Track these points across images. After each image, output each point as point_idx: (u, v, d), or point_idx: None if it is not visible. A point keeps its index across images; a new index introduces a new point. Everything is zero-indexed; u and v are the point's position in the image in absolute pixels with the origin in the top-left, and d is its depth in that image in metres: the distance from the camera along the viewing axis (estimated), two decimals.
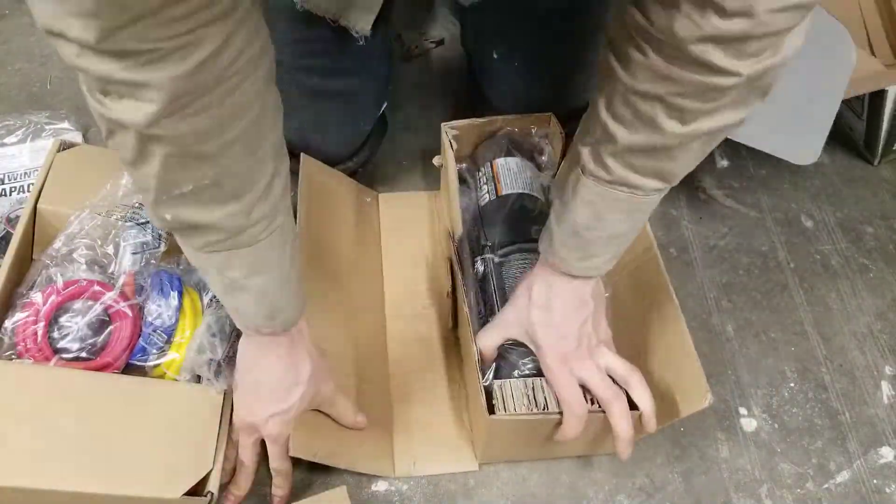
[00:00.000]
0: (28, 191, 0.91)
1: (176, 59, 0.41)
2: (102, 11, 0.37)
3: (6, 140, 1.00)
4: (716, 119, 0.51)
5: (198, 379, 0.71)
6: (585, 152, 0.60)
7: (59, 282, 0.70)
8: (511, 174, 0.85)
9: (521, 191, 0.84)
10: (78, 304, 0.70)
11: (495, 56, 0.94)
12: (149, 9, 0.38)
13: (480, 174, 0.88)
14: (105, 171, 0.81)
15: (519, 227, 0.81)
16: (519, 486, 0.76)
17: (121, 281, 0.72)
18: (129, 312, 0.70)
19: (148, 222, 0.77)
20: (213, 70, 0.43)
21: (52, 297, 0.69)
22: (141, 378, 0.71)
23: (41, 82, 1.14)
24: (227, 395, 0.72)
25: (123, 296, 0.71)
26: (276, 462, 0.70)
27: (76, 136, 1.03)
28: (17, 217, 0.81)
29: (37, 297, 0.69)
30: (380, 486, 0.75)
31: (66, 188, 0.79)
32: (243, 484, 0.71)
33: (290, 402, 0.68)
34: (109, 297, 0.70)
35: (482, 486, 0.76)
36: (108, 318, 0.70)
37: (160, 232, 0.77)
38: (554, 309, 0.68)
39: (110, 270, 0.74)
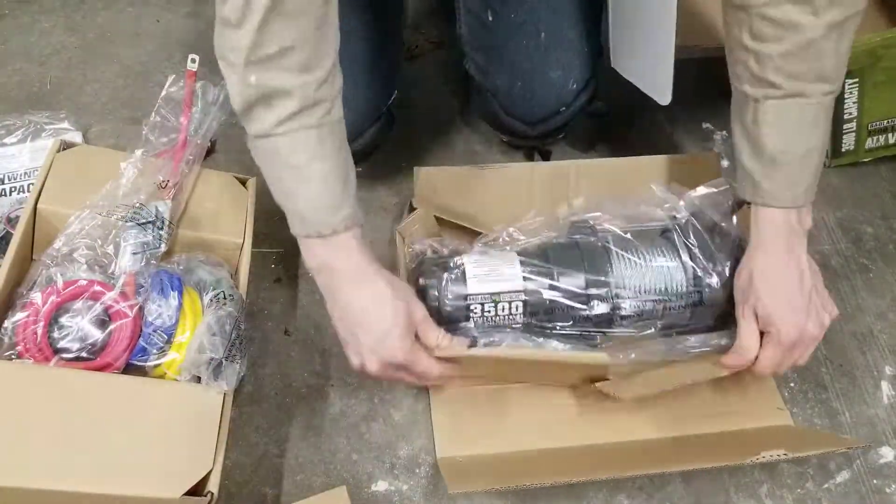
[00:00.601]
0: (28, 191, 0.92)
1: None
2: None
3: (6, 140, 1.00)
4: (839, 7, 0.63)
5: (198, 379, 0.71)
6: (749, 87, 0.69)
7: (60, 282, 0.70)
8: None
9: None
10: (78, 304, 0.70)
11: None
12: None
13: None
14: (105, 171, 0.81)
15: None
16: None
17: (121, 281, 0.72)
18: (130, 312, 0.70)
19: (148, 222, 0.77)
20: None
21: (52, 298, 0.69)
22: (141, 378, 0.71)
23: (41, 82, 1.14)
24: (227, 395, 0.72)
25: (124, 296, 0.71)
26: (430, 379, 0.72)
27: (76, 136, 1.03)
28: (17, 217, 0.81)
29: (37, 297, 0.69)
30: (380, 486, 0.76)
31: (66, 188, 0.79)
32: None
33: (387, 319, 0.67)
34: (110, 297, 0.70)
35: None
36: (108, 318, 0.70)
37: (160, 233, 0.77)
38: (777, 280, 0.70)
39: (110, 270, 0.74)
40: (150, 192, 0.80)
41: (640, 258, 0.77)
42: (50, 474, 0.60)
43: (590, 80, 0.99)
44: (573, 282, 0.75)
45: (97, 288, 0.70)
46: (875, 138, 1.07)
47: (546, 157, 1.05)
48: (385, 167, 1.04)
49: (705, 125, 1.16)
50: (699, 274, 0.76)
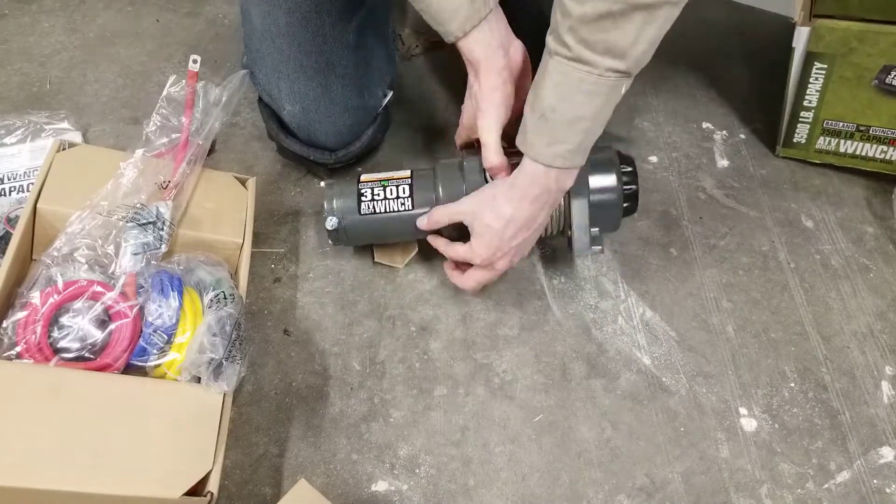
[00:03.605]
0: (28, 191, 0.92)
1: None
2: None
3: (6, 140, 1.00)
4: None
5: (198, 380, 0.71)
6: (550, 39, 0.69)
7: (60, 282, 0.70)
8: None
9: None
10: (78, 304, 0.70)
11: None
12: None
13: None
14: (105, 171, 0.81)
15: None
16: (519, 485, 0.76)
17: (121, 281, 0.72)
18: (130, 313, 0.70)
19: (149, 223, 0.77)
20: None
21: (52, 298, 0.69)
22: (141, 378, 0.71)
23: (41, 82, 1.14)
24: (227, 396, 0.72)
25: (124, 296, 0.71)
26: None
27: (76, 136, 1.03)
28: (17, 217, 0.81)
29: (36, 296, 0.69)
30: (380, 486, 0.76)
31: (65, 188, 0.79)
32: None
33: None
34: (110, 297, 0.70)
35: (482, 486, 0.76)
36: (108, 319, 0.70)
37: (161, 233, 0.77)
38: (512, 202, 0.77)
39: (111, 271, 0.74)
40: (151, 192, 0.80)
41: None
42: (50, 474, 0.60)
43: None
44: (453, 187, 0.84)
45: (97, 288, 0.70)
46: (827, 140, 1.05)
47: None
48: (385, 167, 1.04)
49: (705, 125, 1.16)
50: None
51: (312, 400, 0.82)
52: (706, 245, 0.99)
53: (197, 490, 0.65)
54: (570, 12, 0.65)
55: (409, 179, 0.86)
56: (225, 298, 0.74)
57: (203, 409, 0.70)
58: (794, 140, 1.07)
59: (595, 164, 0.83)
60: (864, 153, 1.04)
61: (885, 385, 0.86)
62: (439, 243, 0.86)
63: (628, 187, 0.85)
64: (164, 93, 0.85)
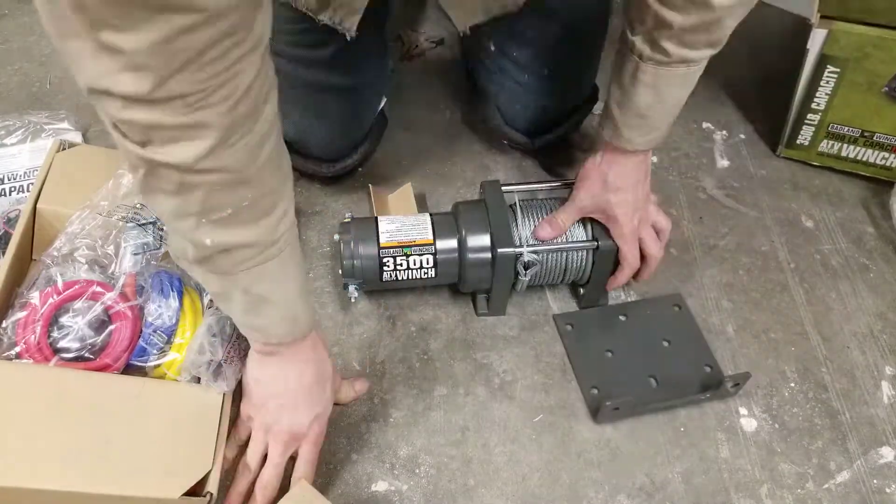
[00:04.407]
0: (28, 191, 0.91)
1: (221, 97, 0.44)
2: (153, 63, 0.40)
3: (6, 140, 1.00)
4: None
5: (197, 380, 0.71)
6: (639, 41, 0.68)
7: (59, 282, 0.70)
8: None
9: None
10: (78, 305, 0.70)
11: (492, 48, 0.95)
12: (194, 53, 0.41)
13: None
14: (105, 171, 0.81)
15: None
16: (519, 485, 0.76)
17: (121, 282, 0.72)
18: (130, 313, 0.70)
19: (148, 223, 0.77)
20: (251, 100, 0.47)
21: (52, 298, 0.69)
22: (141, 378, 0.71)
23: (41, 82, 1.14)
24: (227, 396, 0.72)
25: (124, 297, 0.71)
26: (308, 467, 0.72)
27: (76, 136, 1.03)
28: (16, 217, 0.81)
29: (36, 296, 0.69)
30: (380, 486, 0.76)
31: (65, 188, 0.79)
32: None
33: (327, 398, 0.72)
34: (109, 297, 0.70)
35: (482, 486, 0.76)
36: (108, 319, 0.70)
37: (161, 233, 0.77)
38: (628, 189, 0.80)
39: (111, 271, 0.74)
40: None
41: (543, 211, 0.86)
42: (50, 474, 0.60)
43: (590, 98, 1.01)
44: (479, 238, 0.83)
45: (97, 288, 0.70)
46: (830, 143, 1.05)
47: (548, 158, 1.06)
48: (385, 167, 1.04)
49: (705, 125, 1.16)
50: (596, 227, 0.84)
51: None
52: (706, 245, 0.99)
53: (197, 490, 0.65)
54: (672, 24, 0.64)
55: (433, 246, 0.83)
56: None
57: (203, 409, 0.70)
58: (798, 142, 1.07)
59: None
60: (865, 158, 1.05)
61: (885, 385, 0.86)
62: (620, 279, 0.87)
63: None
64: None
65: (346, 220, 0.86)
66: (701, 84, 1.21)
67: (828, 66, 0.98)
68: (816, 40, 0.97)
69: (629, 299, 0.93)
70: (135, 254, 0.75)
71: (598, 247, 0.83)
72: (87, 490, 0.60)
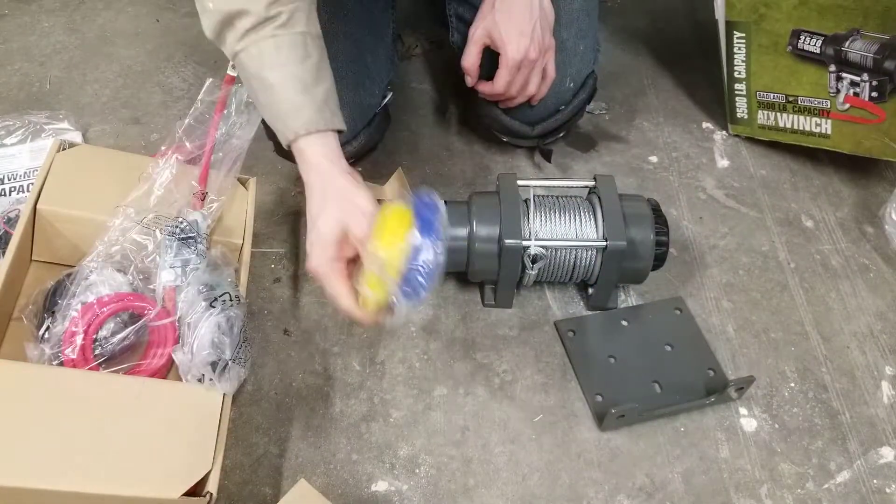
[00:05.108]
0: (28, 191, 0.92)
1: None
2: None
3: (6, 140, 1.00)
4: None
5: (201, 378, 0.71)
6: None
7: (101, 293, 0.71)
8: None
9: None
10: (118, 317, 0.70)
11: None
12: None
13: None
14: (105, 171, 0.81)
15: None
16: (519, 485, 0.76)
17: (161, 293, 0.73)
18: (169, 327, 0.71)
19: (190, 237, 0.77)
20: None
21: (96, 309, 0.69)
22: (141, 378, 0.71)
23: (41, 82, 1.15)
24: (227, 397, 0.72)
25: (165, 311, 0.71)
26: (335, 303, 0.68)
27: (76, 136, 1.03)
28: (16, 217, 0.81)
29: (78, 307, 0.70)
30: (380, 486, 0.76)
31: (66, 188, 0.79)
32: (364, 321, 0.69)
33: (315, 232, 0.68)
34: (151, 311, 0.72)
35: (482, 486, 0.76)
36: (146, 332, 0.71)
37: (200, 247, 0.77)
38: (513, 10, 0.86)
39: (152, 285, 0.75)
40: (185, 201, 0.80)
41: (555, 209, 0.86)
42: (50, 474, 0.60)
43: (587, 79, 0.99)
44: (488, 228, 0.84)
45: (138, 302, 0.71)
46: (766, 114, 1.07)
47: (547, 156, 1.05)
48: (385, 166, 1.04)
49: (705, 125, 1.16)
50: (607, 228, 0.84)
51: (312, 400, 0.82)
52: (706, 245, 0.99)
53: (196, 490, 0.65)
54: None
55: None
56: (232, 300, 0.74)
57: (203, 409, 0.70)
58: (738, 116, 1.10)
59: (631, 221, 0.84)
60: (801, 127, 1.05)
61: (885, 385, 0.86)
62: (484, 87, 0.93)
63: (660, 248, 0.85)
64: (200, 96, 0.84)
65: None
66: (701, 84, 1.21)
67: (734, 33, 1.01)
68: (720, 8, 1.00)
69: (631, 304, 0.93)
70: (173, 267, 0.75)
71: (606, 246, 0.83)
72: (87, 490, 0.60)
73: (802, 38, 0.97)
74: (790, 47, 0.98)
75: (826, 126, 1.02)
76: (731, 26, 1.00)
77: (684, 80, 1.21)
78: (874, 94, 0.96)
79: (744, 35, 1.00)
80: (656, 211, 0.86)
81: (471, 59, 0.91)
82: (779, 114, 1.05)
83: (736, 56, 1.03)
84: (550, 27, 0.89)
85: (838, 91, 0.99)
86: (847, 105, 0.99)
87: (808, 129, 1.04)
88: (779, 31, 0.97)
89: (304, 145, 0.70)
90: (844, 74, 0.97)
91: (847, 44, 0.95)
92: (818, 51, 0.97)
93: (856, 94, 0.98)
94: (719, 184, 1.07)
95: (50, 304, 0.74)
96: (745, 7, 0.97)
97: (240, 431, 0.79)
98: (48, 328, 0.72)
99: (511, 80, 0.89)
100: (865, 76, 0.96)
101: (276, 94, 0.69)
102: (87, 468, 0.62)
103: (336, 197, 0.68)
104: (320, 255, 0.67)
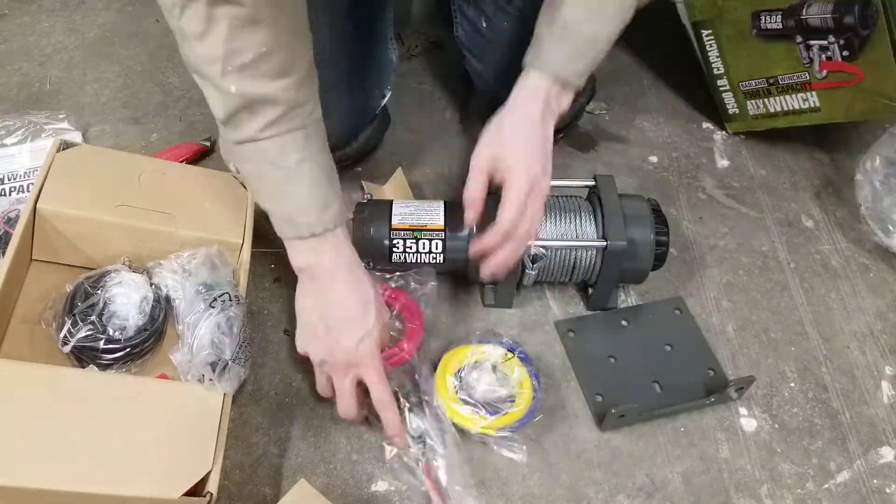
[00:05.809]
0: (28, 191, 0.91)
1: None
2: None
3: (6, 140, 1.00)
4: None
5: (201, 378, 0.71)
6: None
7: (130, 295, 0.75)
8: None
9: None
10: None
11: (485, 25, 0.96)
12: None
13: None
14: (105, 171, 0.81)
15: None
16: (519, 485, 0.76)
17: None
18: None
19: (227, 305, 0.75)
20: None
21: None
22: (141, 378, 0.71)
23: (41, 82, 1.14)
24: (227, 397, 0.72)
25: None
26: (378, 391, 0.71)
27: (76, 136, 1.03)
28: (16, 217, 0.81)
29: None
30: (380, 486, 0.75)
31: (65, 188, 0.79)
32: (394, 422, 0.73)
33: (370, 320, 0.71)
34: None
35: (482, 486, 0.76)
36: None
37: (237, 310, 0.75)
38: (522, 143, 0.77)
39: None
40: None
41: (555, 209, 0.86)
42: (50, 474, 0.60)
43: (589, 92, 1.00)
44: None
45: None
46: (755, 103, 1.07)
47: None
48: (385, 166, 1.04)
49: (705, 125, 1.16)
50: (607, 228, 0.83)
51: (312, 400, 0.82)
52: (706, 245, 0.99)
53: (196, 490, 0.65)
54: None
55: (443, 232, 0.85)
56: (231, 300, 0.74)
57: (203, 409, 0.70)
58: (731, 112, 1.11)
59: (631, 221, 0.84)
60: (791, 106, 1.05)
61: (885, 385, 0.86)
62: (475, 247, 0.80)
63: (660, 248, 0.85)
64: None
65: (364, 201, 0.88)
66: (701, 84, 1.21)
67: (702, 31, 1.04)
68: (683, 13, 1.04)
69: (631, 304, 0.93)
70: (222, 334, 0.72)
71: (606, 246, 0.83)
72: (87, 490, 0.60)
73: (763, 17, 0.98)
74: (755, 30, 1.00)
75: (813, 99, 1.02)
76: (697, 26, 1.04)
77: (684, 80, 1.21)
78: (845, 52, 0.95)
79: (711, 31, 1.03)
80: (656, 211, 0.86)
81: (477, 191, 0.77)
82: (766, 100, 1.06)
83: (710, 53, 1.06)
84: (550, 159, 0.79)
85: (811, 60, 0.98)
86: (824, 72, 0.98)
87: (797, 106, 1.04)
88: (740, 17, 1.00)
89: (333, 236, 0.70)
90: (812, 42, 0.97)
91: (804, 11, 0.95)
92: (781, 26, 0.98)
93: (829, 59, 0.97)
94: (719, 184, 1.07)
95: (70, 307, 0.74)
96: (703, 5, 1.01)
97: (240, 431, 0.78)
98: (69, 332, 0.72)
99: (519, 209, 0.75)
100: (831, 37, 0.95)
101: (304, 187, 0.66)
102: (86, 468, 0.62)
103: (374, 289, 0.73)
104: (371, 347, 0.71)
